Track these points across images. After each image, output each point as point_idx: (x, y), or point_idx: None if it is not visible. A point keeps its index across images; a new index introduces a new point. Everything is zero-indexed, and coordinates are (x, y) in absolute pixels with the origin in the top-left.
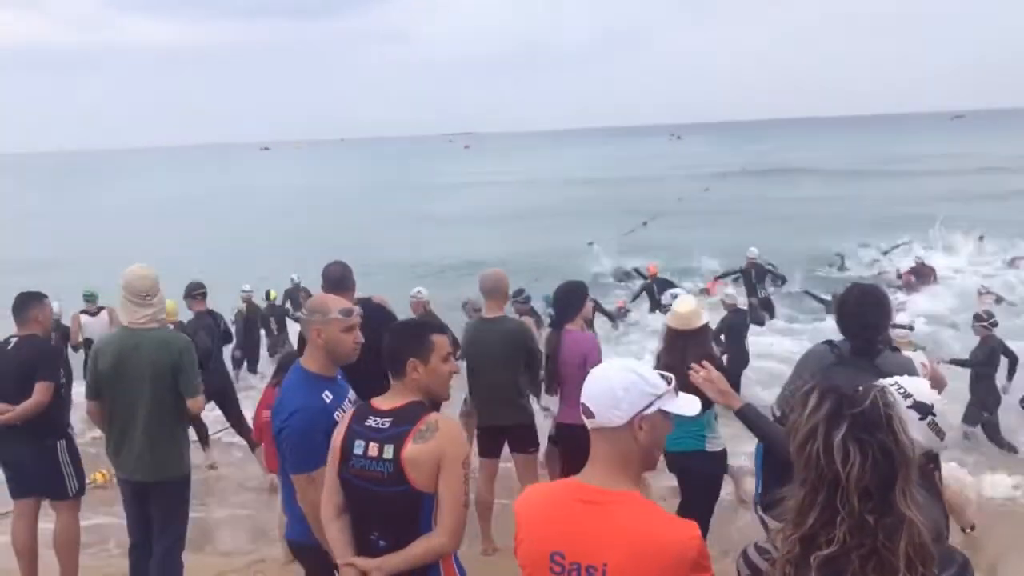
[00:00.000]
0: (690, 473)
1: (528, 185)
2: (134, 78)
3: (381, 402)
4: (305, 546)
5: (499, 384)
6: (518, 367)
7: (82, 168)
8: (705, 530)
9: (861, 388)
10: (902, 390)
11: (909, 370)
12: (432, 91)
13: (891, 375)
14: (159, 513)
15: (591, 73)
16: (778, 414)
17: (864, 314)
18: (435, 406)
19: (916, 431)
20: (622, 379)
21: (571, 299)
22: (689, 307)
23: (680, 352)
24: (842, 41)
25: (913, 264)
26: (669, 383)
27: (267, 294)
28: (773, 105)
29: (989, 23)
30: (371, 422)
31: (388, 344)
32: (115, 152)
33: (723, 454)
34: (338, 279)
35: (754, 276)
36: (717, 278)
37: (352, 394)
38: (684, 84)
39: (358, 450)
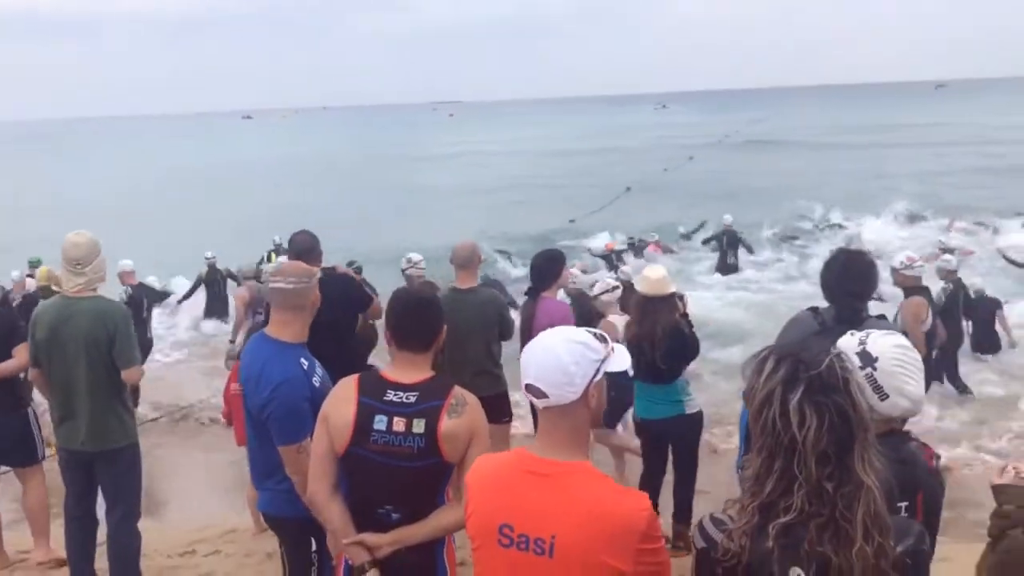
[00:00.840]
0: (673, 438)
1: (511, 156)
2: (114, 47)
3: (398, 374)
4: (282, 519)
5: (475, 354)
6: (492, 336)
7: (57, 137)
8: (693, 487)
9: (818, 352)
10: (862, 336)
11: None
12: (418, 59)
13: None
14: (108, 484)
15: (578, 42)
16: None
17: (849, 280)
18: None
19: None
20: (570, 352)
21: (549, 267)
22: (659, 272)
23: (651, 318)
24: (828, 11)
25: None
26: (605, 342)
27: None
28: (760, 74)
29: None
30: (392, 396)
31: (430, 315)
32: (92, 120)
33: (701, 415)
34: (307, 248)
35: (726, 242)
36: (704, 241)
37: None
38: (671, 53)
39: (379, 425)
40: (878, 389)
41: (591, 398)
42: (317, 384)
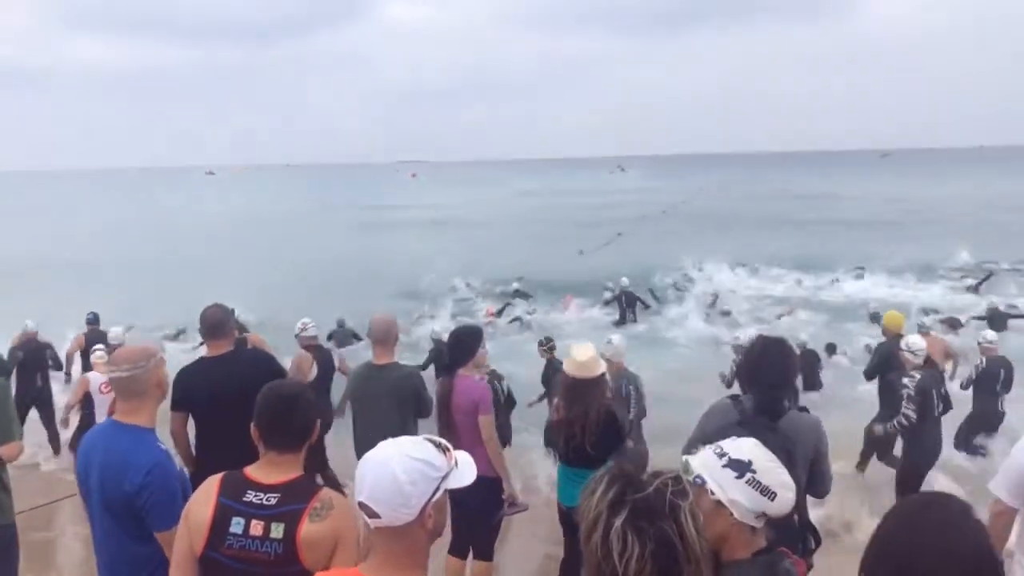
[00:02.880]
0: None
1: (477, 226)
2: (79, 99)
3: (260, 474)
4: None
5: (389, 434)
6: (408, 415)
7: (17, 189)
8: None
9: (651, 473)
10: (718, 450)
11: (815, 432)
12: (381, 119)
13: (795, 438)
14: None
15: (538, 105)
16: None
17: (768, 370)
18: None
19: (738, 492)
20: (407, 470)
21: (465, 344)
22: (588, 354)
23: (582, 402)
24: (779, 81)
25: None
26: (448, 453)
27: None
28: (714, 140)
29: (915, 67)
30: (252, 497)
31: (294, 411)
32: (56, 173)
33: None
34: (217, 323)
35: (624, 301)
36: (605, 302)
37: None
38: (627, 118)
39: (236, 528)
40: (766, 491)
41: (428, 518)
42: (178, 467)
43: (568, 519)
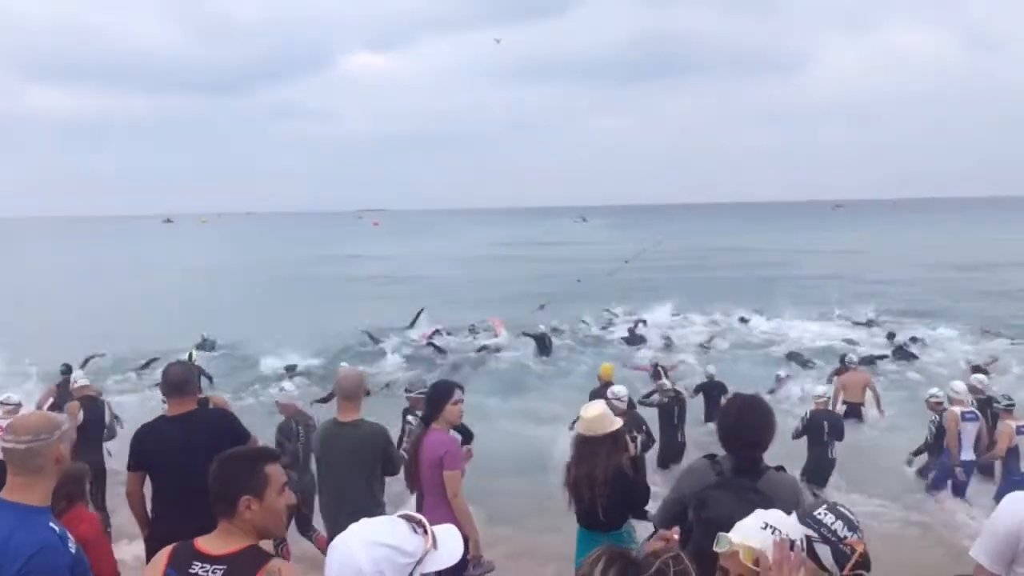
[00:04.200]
0: None
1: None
2: (36, 147)
3: (209, 545)
4: None
5: (352, 492)
6: (374, 473)
7: None
8: None
9: (649, 553)
10: (762, 521)
11: (793, 491)
12: (341, 168)
13: (773, 498)
14: None
15: (500, 156)
16: (656, 528)
17: (746, 430)
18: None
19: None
20: (374, 559)
21: (436, 398)
22: (597, 410)
23: (590, 461)
24: (735, 133)
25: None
26: (425, 534)
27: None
28: (673, 190)
29: (863, 123)
30: (197, 569)
31: (216, 479)
32: (9, 220)
33: None
34: (180, 382)
35: (544, 340)
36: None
37: None
38: (589, 168)
39: None
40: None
41: None
42: (73, 551)
43: None
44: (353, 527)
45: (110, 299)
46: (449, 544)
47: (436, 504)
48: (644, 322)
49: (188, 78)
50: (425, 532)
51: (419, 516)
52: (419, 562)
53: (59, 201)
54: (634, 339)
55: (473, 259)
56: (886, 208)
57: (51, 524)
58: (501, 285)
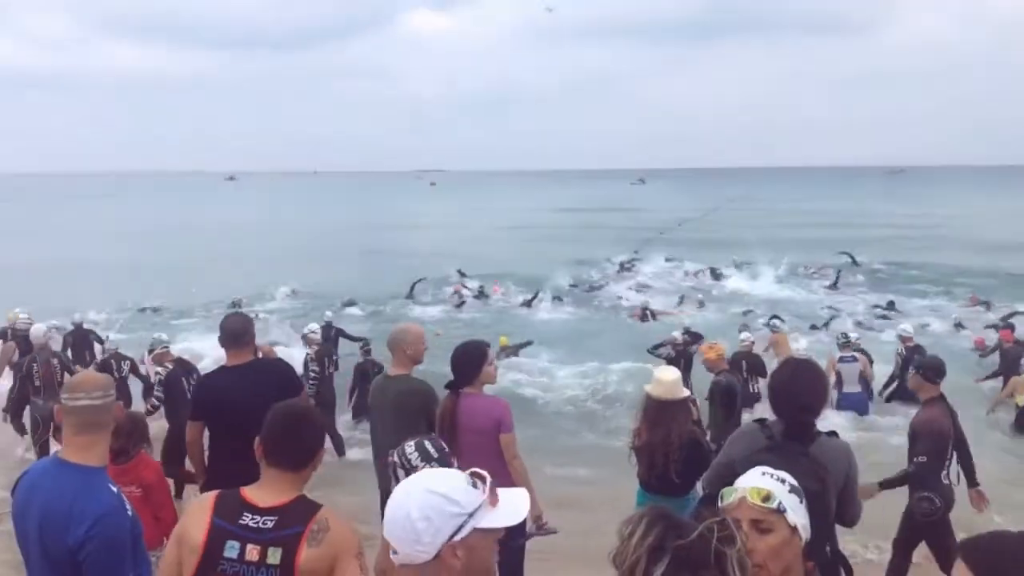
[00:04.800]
0: None
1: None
2: (107, 103)
3: (258, 496)
4: None
5: (396, 444)
6: (416, 429)
7: (43, 191)
8: None
9: (694, 516)
10: (774, 475)
11: (846, 457)
12: (403, 128)
13: (826, 463)
14: None
15: (559, 117)
16: (707, 492)
17: (798, 395)
18: None
19: (802, 518)
20: (421, 505)
21: (468, 361)
22: (673, 375)
23: (665, 426)
24: (800, 96)
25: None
26: (483, 490)
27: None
28: (732, 154)
29: (933, 83)
30: (247, 520)
31: (303, 432)
32: (80, 176)
33: None
34: (237, 333)
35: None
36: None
37: None
38: (649, 131)
39: (230, 553)
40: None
41: (452, 558)
42: (130, 513)
43: None
44: (416, 475)
45: (184, 253)
46: (514, 503)
47: (480, 468)
48: (634, 263)
49: (253, 35)
50: (484, 487)
51: (484, 473)
52: (471, 515)
53: (127, 156)
54: (623, 269)
55: (522, 223)
56: (949, 173)
57: (111, 486)
58: (537, 246)
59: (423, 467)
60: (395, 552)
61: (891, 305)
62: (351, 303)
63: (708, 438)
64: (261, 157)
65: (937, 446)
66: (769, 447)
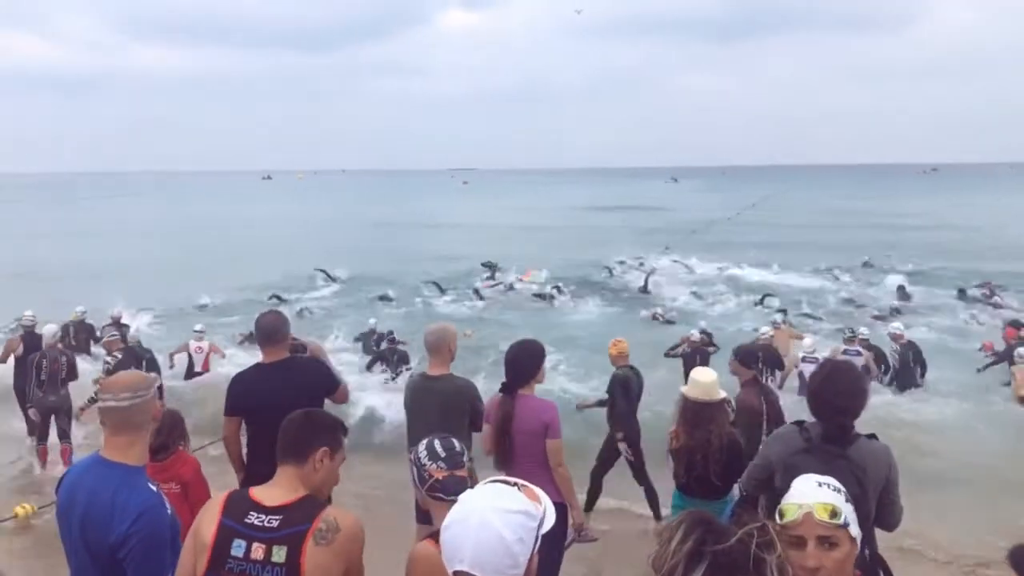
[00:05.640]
0: None
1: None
2: (141, 103)
3: (264, 495)
4: None
5: None
6: (461, 428)
7: (81, 189)
8: None
9: (733, 521)
10: (832, 484)
11: (886, 460)
12: (434, 126)
13: (865, 466)
14: None
15: (591, 114)
16: (745, 493)
17: (837, 396)
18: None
19: (856, 529)
20: (512, 527)
21: (530, 360)
22: (710, 376)
23: (705, 428)
24: (835, 92)
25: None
26: (537, 498)
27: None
28: (765, 152)
29: (967, 83)
30: (253, 519)
31: (301, 426)
32: (116, 175)
33: None
34: (271, 331)
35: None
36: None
37: None
38: (680, 128)
39: (237, 551)
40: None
41: (531, 573)
42: (170, 512)
43: None
44: (471, 498)
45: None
46: (549, 503)
47: (530, 472)
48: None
49: (286, 36)
50: (527, 492)
51: (513, 479)
52: (541, 523)
53: (163, 156)
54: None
55: (551, 222)
56: (985, 171)
57: (150, 484)
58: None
59: (430, 466)
60: None
61: (901, 290)
62: (386, 297)
63: (616, 432)
64: (294, 156)
65: (748, 420)
66: (807, 448)
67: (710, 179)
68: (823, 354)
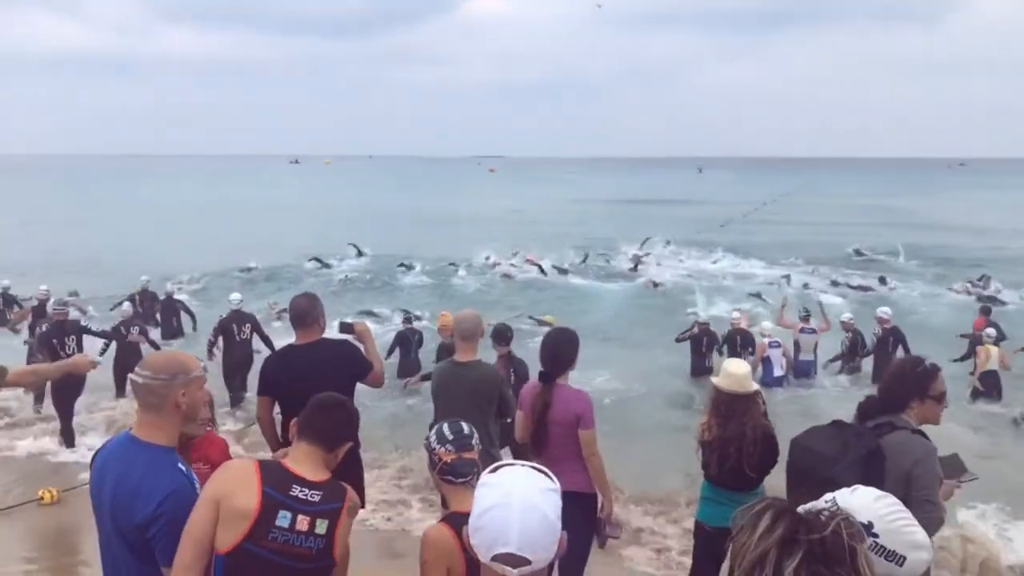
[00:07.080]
0: None
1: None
2: (169, 86)
3: (303, 469)
4: None
5: None
6: (490, 415)
7: (111, 171)
8: None
9: (823, 513)
10: (834, 507)
11: (911, 456)
12: (460, 113)
13: (885, 455)
14: None
15: (618, 104)
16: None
17: (905, 392)
18: None
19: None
20: (552, 504)
21: (569, 348)
22: (744, 368)
23: (739, 420)
24: (864, 85)
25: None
26: (548, 473)
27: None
28: (793, 144)
29: (993, 79)
30: (298, 492)
31: (339, 420)
32: (144, 157)
33: None
34: (302, 313)
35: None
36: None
37: None
38: (707, 119)
39: (282, 522)
40: (892, 556)
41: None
42: (198, 491)
43: (710, 542)
44: (506, 481)
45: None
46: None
47: (562, 459)
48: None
49: (314, 21)
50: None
51: (531, 463)
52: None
53: (193, 139)
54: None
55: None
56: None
57: (180, 465)
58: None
59: (439, 449)
60: (525, 564)
61: (883, 280)
62: (410, 266)
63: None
64: (321, 141)
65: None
66: (837, 422)
67: (735, 171)
68: (784, 334)
